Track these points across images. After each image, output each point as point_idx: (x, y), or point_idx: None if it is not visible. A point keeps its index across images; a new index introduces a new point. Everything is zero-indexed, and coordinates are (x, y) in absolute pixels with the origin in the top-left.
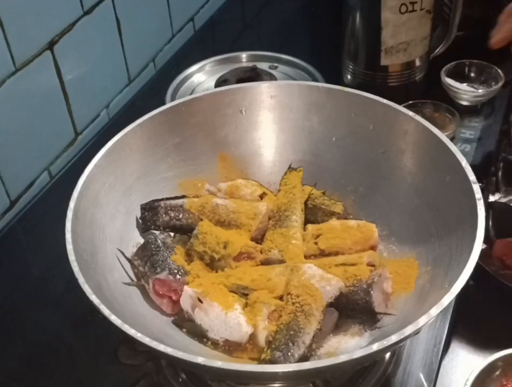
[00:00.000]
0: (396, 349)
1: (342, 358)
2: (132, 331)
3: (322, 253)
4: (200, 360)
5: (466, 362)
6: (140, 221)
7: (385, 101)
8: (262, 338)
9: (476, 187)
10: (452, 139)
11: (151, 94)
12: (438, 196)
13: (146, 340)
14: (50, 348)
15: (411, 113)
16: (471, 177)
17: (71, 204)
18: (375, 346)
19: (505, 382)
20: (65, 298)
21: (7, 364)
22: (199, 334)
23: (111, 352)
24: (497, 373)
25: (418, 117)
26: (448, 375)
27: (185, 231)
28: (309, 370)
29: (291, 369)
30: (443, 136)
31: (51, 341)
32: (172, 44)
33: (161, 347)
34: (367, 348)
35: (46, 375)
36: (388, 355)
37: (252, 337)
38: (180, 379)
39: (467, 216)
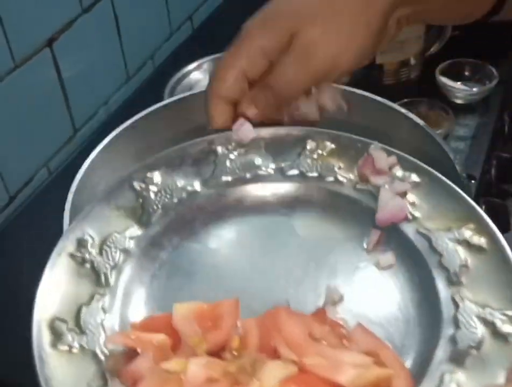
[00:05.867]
0: None
1: None
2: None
3: None
4: None
5: None
6: None
7: (378, 98)
8: None
9: (467, 184)
10: (446, 137)
11: (149, 91)
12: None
13: None
14: None
15: (403, 110)
16: (463, 174)
17: (69, 197)
18: None
19: None
20: None
21: (3, 359)
22: None
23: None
24: None
25: (411, 115)
26: None
27: None
28: None
29: None
30: (435, 134)
31: None
32: (171, 42)
33: None
34: None
35: None
36: None
37: None
38: None
39: None
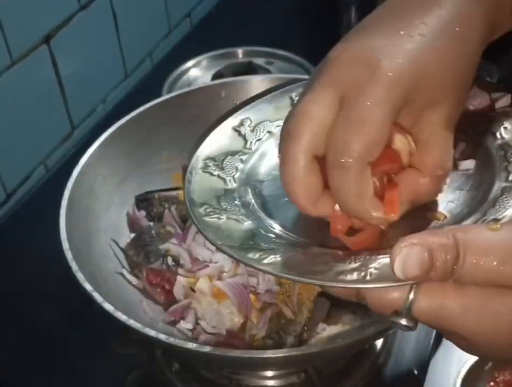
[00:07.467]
0: (387, 338)
1: (333, 343)
2: (123, 318)
3: None
4: (190, 345)
5: (458, 353)
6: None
7: None
8: (253, 328)
9: None
10: None
11: (147, 89)
12: None
13: (138, 326)
14: (45, 340)
15: None
16: None
17: (66, 194)
18: (363, 332)
19: (497, 375)
20: (60, 290)
21: (1, 356)
22: None
23: (105, 342)
24: (490, 365)
25: None
26: (440, 367)
27: None
28: (299, 356)
29: (280, 354)
30: None
31: (47, 333)
32: (169, 39)
33: (153, 333)
34: (354, 332)
35: (40, 367)
36: (379, 346)
37: (244, 326)
38: (173, 369)
39: None
